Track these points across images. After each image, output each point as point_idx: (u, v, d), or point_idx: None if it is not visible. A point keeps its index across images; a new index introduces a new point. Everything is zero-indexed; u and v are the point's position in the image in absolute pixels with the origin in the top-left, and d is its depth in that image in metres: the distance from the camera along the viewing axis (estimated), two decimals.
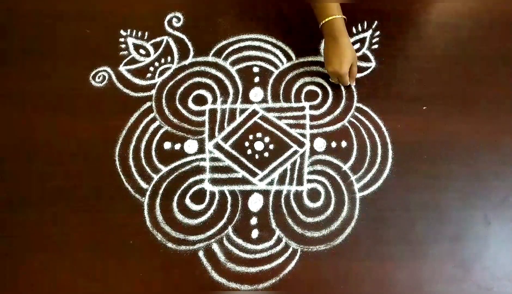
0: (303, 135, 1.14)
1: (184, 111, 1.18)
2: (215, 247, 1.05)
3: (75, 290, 1.03)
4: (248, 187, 1.10)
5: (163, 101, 1.19)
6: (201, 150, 1.14)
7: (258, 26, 1.25)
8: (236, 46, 1.23)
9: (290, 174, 1.10)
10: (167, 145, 1.14)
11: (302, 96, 1.18)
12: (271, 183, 1.10)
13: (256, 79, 1.20)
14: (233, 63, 1.22)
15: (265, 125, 1.15)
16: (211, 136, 1.15)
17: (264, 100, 1.18)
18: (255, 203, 1.08)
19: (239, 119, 1.16)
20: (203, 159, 1.13)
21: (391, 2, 1.26)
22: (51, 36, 1.26)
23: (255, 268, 1.03)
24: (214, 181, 1.11)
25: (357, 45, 1.22)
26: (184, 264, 1.03)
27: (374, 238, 1.04)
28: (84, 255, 1.05)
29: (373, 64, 1.19)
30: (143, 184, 1.10)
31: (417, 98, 1.15)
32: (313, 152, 1.12)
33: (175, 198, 1.09)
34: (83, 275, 1.03)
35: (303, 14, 1.24)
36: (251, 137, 1.14)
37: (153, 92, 1.19)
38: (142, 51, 1.24)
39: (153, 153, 1.13)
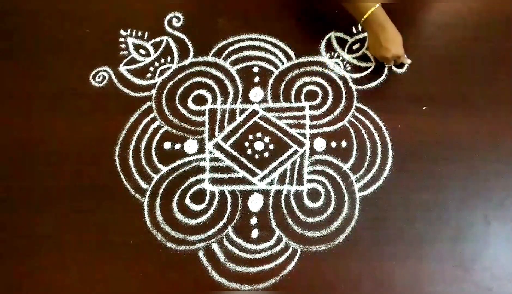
0: (303, 135, 1.14)
1: (184, 111, 1.17)
2: (215, 247, 1.05)
3: (75, 290, 1.03)
4: (248, 187, 1.10)
5: (163, 101, 1.18)
6: (201, 150, 1.13)
7: (258, 26, 1.24)
8: (236, 46, 1.23)
9: (290, 174, 1.10)
10: (167, 145, 1.14)
11: (302, 96, 1.18)
12: (271, 183, 1.10)
13: (256, 79, 1.20)
14: (233, 63, 1.21)
15: (265, 125, 1.15)
16: (211, 136, 1.14)
17: (264, 100, 1.18)
18: (255, 203, 1.08)
19: (239, 119, 1.16)
20: (203, 159, 1.12)
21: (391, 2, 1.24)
22: (51, 36, 1.26)
23: (255, 268, 1.03)
24: (214, 181, 1.10)
25: (357, 45, 1.22)
26: (184, 264, 1.03)
27: (374, 238, 1.04)
28: (84, 255, 1.05)
29: (373, 64, 1.19)
30: (143, 184, 1.10)
31: (417, 98, 1.15)
32: (313, 152, 1.12)
33: (175, 198, 1.09)
34: (83, 275, 1.04)
35: (303, 14, 1.24)
36: (251, 137, 1.14)
37: (153, 92, 1.19)
38: (142, 51, 1.24)
39: (153, 153, 1.13)
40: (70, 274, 1.03)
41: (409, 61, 1.16)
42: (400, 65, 1.18)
